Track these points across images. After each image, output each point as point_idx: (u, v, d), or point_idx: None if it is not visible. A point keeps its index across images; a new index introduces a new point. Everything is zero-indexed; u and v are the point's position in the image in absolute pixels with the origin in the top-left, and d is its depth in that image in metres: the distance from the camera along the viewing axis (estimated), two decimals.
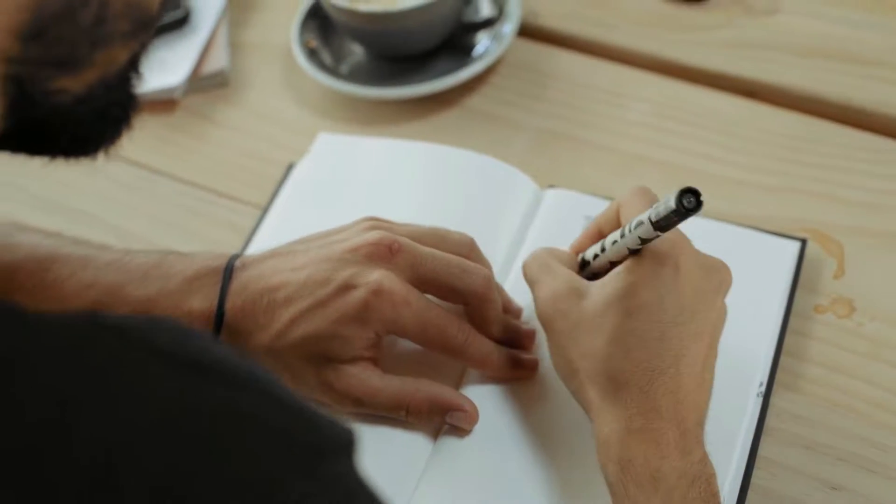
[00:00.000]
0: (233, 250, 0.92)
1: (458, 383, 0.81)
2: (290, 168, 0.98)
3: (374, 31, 1.02)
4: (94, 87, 0.52)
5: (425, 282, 0.78)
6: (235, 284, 0.78)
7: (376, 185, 0.94)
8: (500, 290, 0.82)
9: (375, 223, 0.81)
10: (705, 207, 0.90)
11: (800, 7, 1.05)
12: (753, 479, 0.76)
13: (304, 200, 0.94)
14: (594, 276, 0.74)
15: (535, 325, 0.80)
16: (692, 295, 0.70)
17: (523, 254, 0.88)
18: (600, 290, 0.71)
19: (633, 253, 0.71)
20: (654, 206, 0.68)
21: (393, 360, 0.80)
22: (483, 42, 1.05)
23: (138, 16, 0.52)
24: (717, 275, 0.72)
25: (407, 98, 1.02)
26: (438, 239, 0.81)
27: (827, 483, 0.77)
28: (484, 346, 0.79)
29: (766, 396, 0.79)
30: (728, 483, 0.75)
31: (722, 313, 0.73)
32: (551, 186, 0.93)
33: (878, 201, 0.91)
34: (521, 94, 1.03)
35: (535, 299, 0.75)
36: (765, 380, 0.80)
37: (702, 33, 1.05)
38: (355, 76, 1.04)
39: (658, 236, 0.69)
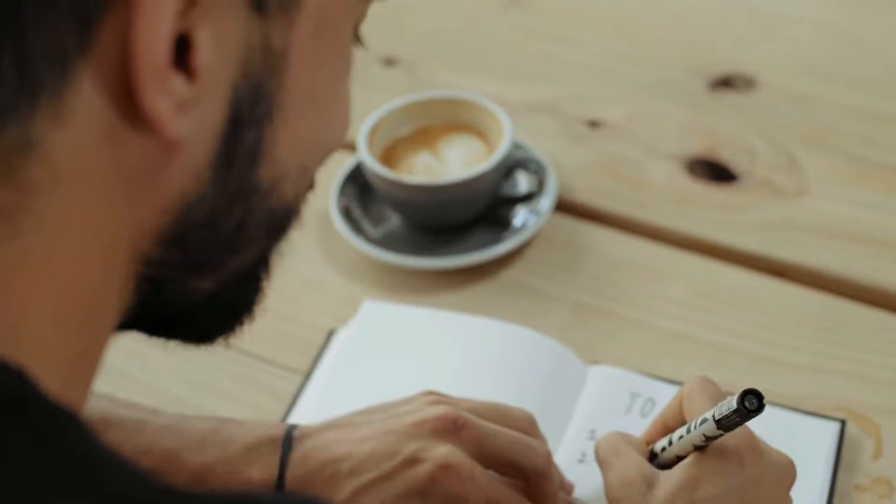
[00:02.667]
0: (275, 416, 0.94)
1: None
2: (331, 334, 0.99)
3: (417, 202, 1.05)
4: (224, 284, 0.54)
5: (488, 457, 0.79)
6: (296, 454, 0.79)
7: (423, 356, 0.95)
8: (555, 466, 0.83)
9: (438, 398, 0.82)
10: None
11: (826, 190, 1.09)
12: None
13: (349, 368, 0.95)
14: (662, 467, 0.77)
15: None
16: (755, 490, 0.73)
17: (571, 430, 0.90)
18: (667, 481, 0.73)
19: (699, 448, 0.73)
20: (718, 406, 0.71)
21: None
22: (520, 215, 1.07)
23: (277, 222, 0.54)
24: (780, 469, 0.75)
25: (445, 269, 1.04)
26: (500, 415, 0.82)
27: None
28: None
29: None
30: None
31: None
32: (595, 363, 0.95)
33: None
34: (557, 268, 1.05)
35: (606, 481, 0.77)
36: None
37: (731, 213, 1.08)
38: (392, 243, 1.06)
39: (721, 435, 0.71)
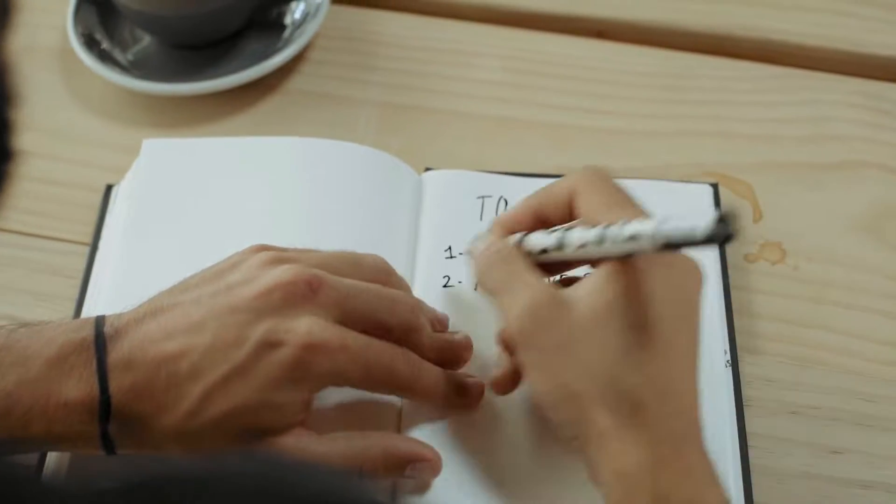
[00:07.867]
0: (68, 302, 0.77)
1: (397, 425, 0.69)
2: (109, 190, 0.83)
3: (171, 18, 0.87)
4: None
5: (352, 319, 0.64)
6: (116, 358, 0.62)
7: (231, 195, 0.79)
8: (423, 307, 0.70)
9: (275, 254, 0.66)
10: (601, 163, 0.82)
11: None
12: (750, 459, 0.69)
13: (145, 225, 0.78)
14: (542, 268, 0.63)
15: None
16: (683, 294, 0.60)
17: (425, 251, 0.77)
18: (590, 295, 0.59)
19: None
20: (665, 223, 0.55)
21: (316, 415, 0.66)
22: (294, 12, 0.92)
23: None
24: (694, 271, 0.61)
25: (222, 90, 0.88)
26: (353, 266, 0.68)
27: (826, 448, 0.71)
28: (432, 373, 0.67)
29: (735, 366, 0.72)
30: (731, 469, 0.68)
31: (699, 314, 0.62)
32: (428, 169, 0.82)
33: (772, 132, 0.86)
34: (350, 67, 0.91)
35: (507, 311, 0.62)
36: (727, 347, 0.73)
37: None
38: (153, 69, 0.89)
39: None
